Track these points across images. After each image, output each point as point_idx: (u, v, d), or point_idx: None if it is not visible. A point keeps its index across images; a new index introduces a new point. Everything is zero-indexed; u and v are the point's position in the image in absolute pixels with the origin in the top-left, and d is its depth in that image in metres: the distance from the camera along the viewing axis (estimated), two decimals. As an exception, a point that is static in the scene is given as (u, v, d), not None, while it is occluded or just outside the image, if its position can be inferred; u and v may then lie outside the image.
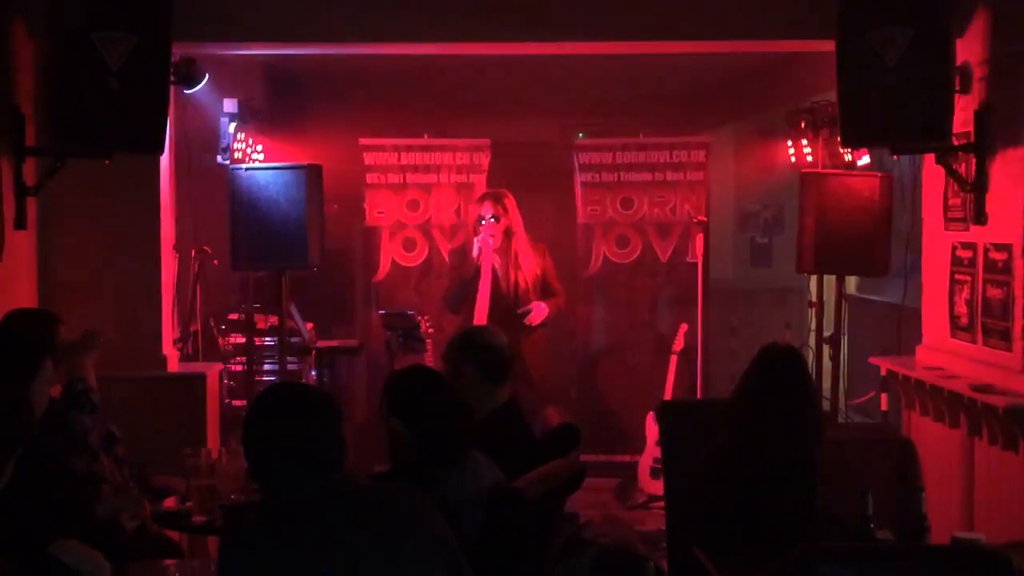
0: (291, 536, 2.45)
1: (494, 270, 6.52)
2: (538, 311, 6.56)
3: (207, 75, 5.45)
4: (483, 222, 6.52)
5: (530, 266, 6.62)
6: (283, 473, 2.55)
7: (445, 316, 7.42)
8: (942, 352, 5.35)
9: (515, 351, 5.95)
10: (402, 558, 2.52)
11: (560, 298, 6.74)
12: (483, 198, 6.65)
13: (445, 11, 5.50)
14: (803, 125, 6.65)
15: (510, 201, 6.58)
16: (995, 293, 4.83)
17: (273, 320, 6.63)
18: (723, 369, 8.09)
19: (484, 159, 7.72)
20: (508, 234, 6.55)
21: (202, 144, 6.27)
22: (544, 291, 6.66)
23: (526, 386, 6.05)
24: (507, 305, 6.53)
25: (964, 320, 5.12)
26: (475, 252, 6.54)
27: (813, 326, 6.18)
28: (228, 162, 6.20)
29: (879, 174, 5.93)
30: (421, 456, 3.32)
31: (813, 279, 6.22)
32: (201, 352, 6.56)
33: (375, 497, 2.63)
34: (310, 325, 6.95)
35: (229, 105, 6.32)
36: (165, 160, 5.63)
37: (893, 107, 4.73)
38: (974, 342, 5.02)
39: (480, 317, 6.43)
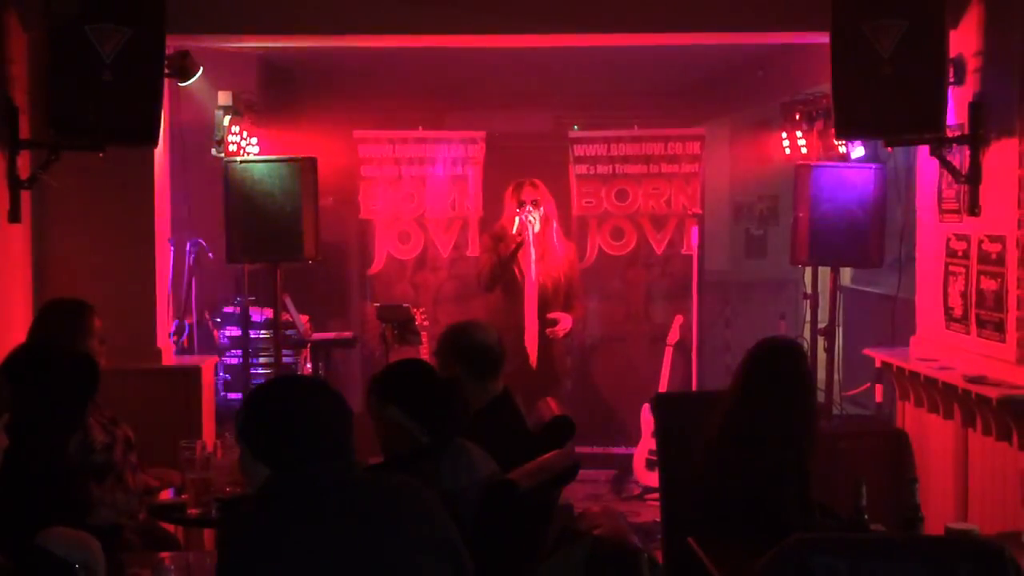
0: (293, 516, 2.45)
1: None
2: (565, 323, 6.60)
3: (201, 68, 5.44)
4: (523, 206, 6.53)
5: (557, 257, 6.63)
6: (289, 454, 2.54)
7: (440, 308, 7.43)
8: (936, 343, 5.36)
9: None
10: (403, 549, 2.50)
11: (578, 311, 6.80)
12: (520, 186, 6.61)
13: (440, 3, 5.49)
14: (797, 117, 6.66)
15: (544, 189, 6.62)
16: (989, 284, 4.84)
17: (268, 313, 6.62)
18: (718, 361, 8.10)
19: (479, 151, 7.71)
20: (546, 221, 6.59)
21: (196, 137, 6.26)
22: (567, 294, 6.71)
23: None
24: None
25: (958, 311, 5.13)
26: (515, 229, 6.52)
27: (808, 318, 6.19)
28: (223, 155, 6.18)
29: (873, 166, 5.93)
30: (416, 444, 3.33)
31: (808, 271, 6.24)
32: (196, 345, 6.56)
33: (381, 487, 2.63)
34: (305, 318, 6.94)
35: (223, 98, 6.31)
36: (159, 153, 5.62)
37: (887, 99, 4.74)
38: (968, 333, 5.03)
39: (530, 297, 6.45)
